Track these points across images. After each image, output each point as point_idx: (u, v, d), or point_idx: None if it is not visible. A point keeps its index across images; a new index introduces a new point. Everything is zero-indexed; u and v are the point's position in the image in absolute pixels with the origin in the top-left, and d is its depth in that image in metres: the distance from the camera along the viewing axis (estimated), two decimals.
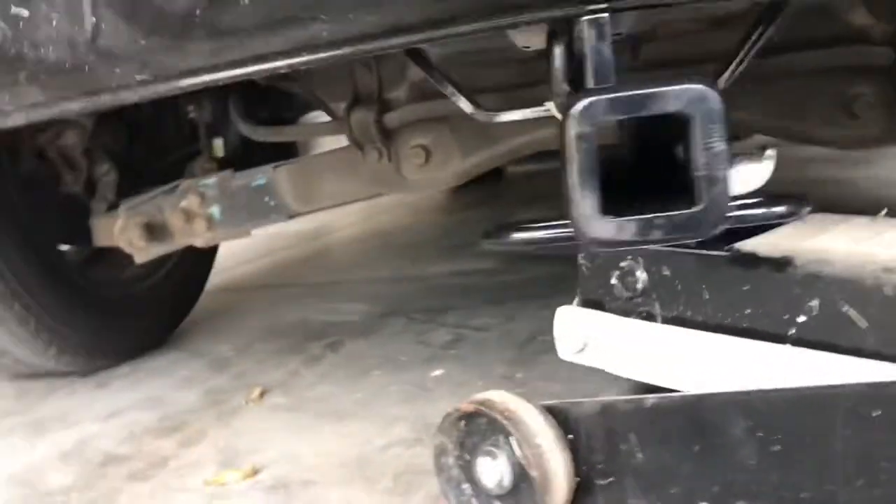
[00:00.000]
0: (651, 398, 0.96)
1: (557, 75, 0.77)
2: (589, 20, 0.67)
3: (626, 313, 1.10)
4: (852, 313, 0.88)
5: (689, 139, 0.63)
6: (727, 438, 0.91)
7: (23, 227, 1.83)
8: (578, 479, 1.06)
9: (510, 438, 1.05)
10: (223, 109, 1.96)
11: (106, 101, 0.82)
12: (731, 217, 0.65)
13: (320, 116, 1.99)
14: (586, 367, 1.27)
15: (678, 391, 1.08)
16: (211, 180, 1.84)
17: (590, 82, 0.68)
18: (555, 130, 0.81)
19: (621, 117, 0.64)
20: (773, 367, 0.95)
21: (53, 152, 1.97)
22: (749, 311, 0.98)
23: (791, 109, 1.51)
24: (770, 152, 1.12)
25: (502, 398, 1.08)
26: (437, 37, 0.72)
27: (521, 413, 1.06)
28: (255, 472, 1.39)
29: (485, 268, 2.70)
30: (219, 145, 2.18)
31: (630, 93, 0.64)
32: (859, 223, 1.04)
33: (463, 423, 1.11)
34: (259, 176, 1.82)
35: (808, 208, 0.80)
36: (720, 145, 0.63)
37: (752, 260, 0.97)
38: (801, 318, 0.93)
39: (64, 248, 2.05)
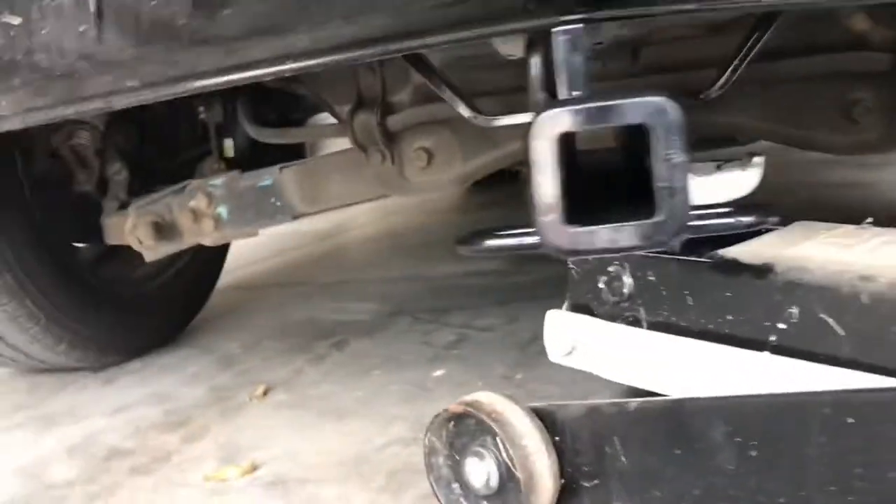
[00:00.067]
0: (634, 402, 0.98)
1: (534, 84, 0.78)
2: (562, 31, 0.68)
3: (612, 318, 1.11)
4: (830, 321, 0.89)
5: (649, 150, 0.65)
6: (707, 443, 0.92)
7: (35, 225, 1.87)
8: (564, 480, 1.08)
9: (497, 439, 1.07)
10: (233, 110, 1.99)
11: (98, 106, 0.85)
12: (692, 227, 0.67)
13: (328, 118, 2.01)
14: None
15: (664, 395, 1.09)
16: (219, 180, 1.87)
17: (561, 92, 0.69)
18: None
19: (584, 128, 0.66)
20: (754, 373, 0.95)
21: (66, 152, 2.00)
22: (731, 317, 0.99)
23: (790, 114, 1.52)
24: (758, 160, 1.13)
25: (490, 400, 1.10)
26: (415, 47, 0.73)
27: (508, 415, 1.07)
28: (254, 468, 1.42)
29: (494, 268, 2.71)
30: (229, 146, 2.21)
31: (591, 105, 0.66)
32: (844, 231, 1.04)
33: (452, 423, 1.13)
34: (266, 177, 1.84)
35: (776, 218, 0.81)
36: (679, 157, 0.65)
37: (734, 267, 0.98)
38: (781, 326, 0.94)
39: (79, 245, 2.09)
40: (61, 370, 2.07)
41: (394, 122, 1.67)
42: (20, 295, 1.81)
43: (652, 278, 1.05)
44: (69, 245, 2.06)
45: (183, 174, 2.10)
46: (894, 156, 3.35)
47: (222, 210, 1.87)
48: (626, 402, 0.98)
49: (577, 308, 1.16)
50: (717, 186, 1.09)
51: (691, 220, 0.65)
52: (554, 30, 0.68)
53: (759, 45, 1.30)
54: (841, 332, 0.89)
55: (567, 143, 0.66)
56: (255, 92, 1.91)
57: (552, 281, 2.36)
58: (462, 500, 1.13)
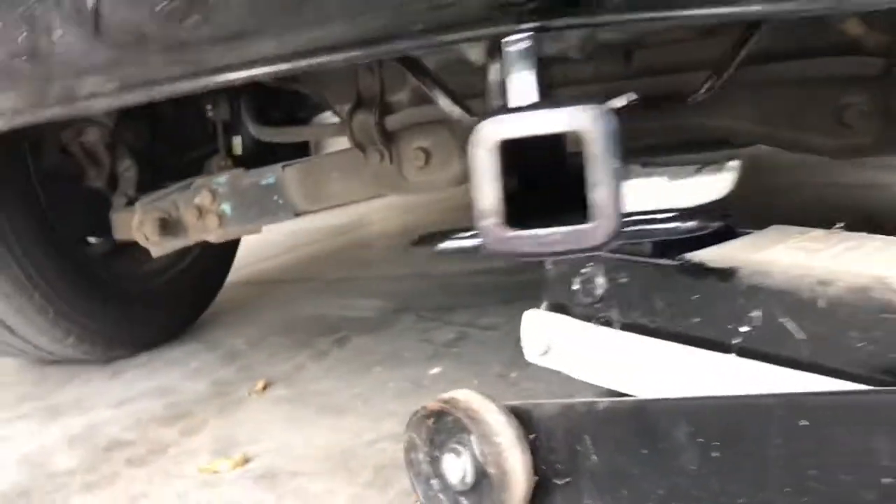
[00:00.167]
0: (603, 402, 0.99)
1: (492, 90, 0.80)
2: (512, 41, 0.70)
3: (586, 318, 1.12)
4: (790, 325, 0.90)
5: (584, 157, 0.66)
6: (671, 444, 0.93)
7: (45, 220, 1.91)
8: (538, 478, 1.09)
9: (472, 436, 1.09)
10: (240, 109, 2.02)
11: (80, 108, 0.88)
12: (628, 232, 0.68)
13: (332, 117, 2.04)
14: None
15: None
16: (223, 178, 1.90)
17: (510, 100, 0.71)
18: None
19: (522, 135, 0.67)
20: (721, 375, 0.97)
21: (76, 148, 2.05)
22: (697, 319, 1.00)
23: (784, 118, 1.52)
24: (733, 164, 1.14)
25: (467, 397, 1.12)
26: (377, 53, 0.76)
27: (483, 412, 1.09)
28: (246, 461, 1.45)
29: (501, 267, 2.73)
30: (237, 144, 2.24)
31: (528, 113, 0.68)
32: (813, 236, 1.05)
33: (431, 420, 1.15)
34: (268, 175, 1.87)
35: (718, 223, 0.82)
36: (612, 164, 0.66)
37: (700, 270, 0.99)
38: (745, 329, 0.95)
39: (88, 240, 2.14)
40: (69, 362, 2.11)
41: (392, 121, 1.69)
42: (28, 288, 1.85)
43: (624, 280, 1.07)
44: (78, 240, 2.11)
45: (193, 171, 2.14)
46: None
47: (226, 207, 1.90)
48: (595, 401, 1.00)
49: (554, 308, 1.18)
50: (693, 189, 1.10)
51: (626, 225, 0.67)
52: (504, 39, 0.70)
53: (744, 51, 1.31)
54: (801, 335, 0.90)
55: (512, 149, 0.68)
56: (258, 91, 1.94)
57: None
58: (440, 495, 1.15)
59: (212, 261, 2.41)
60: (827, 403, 0.80)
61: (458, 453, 1.12)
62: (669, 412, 0.92)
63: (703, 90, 1.27)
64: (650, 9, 0.68)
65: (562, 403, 1.06)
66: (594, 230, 0.67)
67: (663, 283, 1.03)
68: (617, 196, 0.66)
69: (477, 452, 1.08)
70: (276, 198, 1.88)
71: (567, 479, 1.07)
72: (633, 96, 1.31)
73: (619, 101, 1.29)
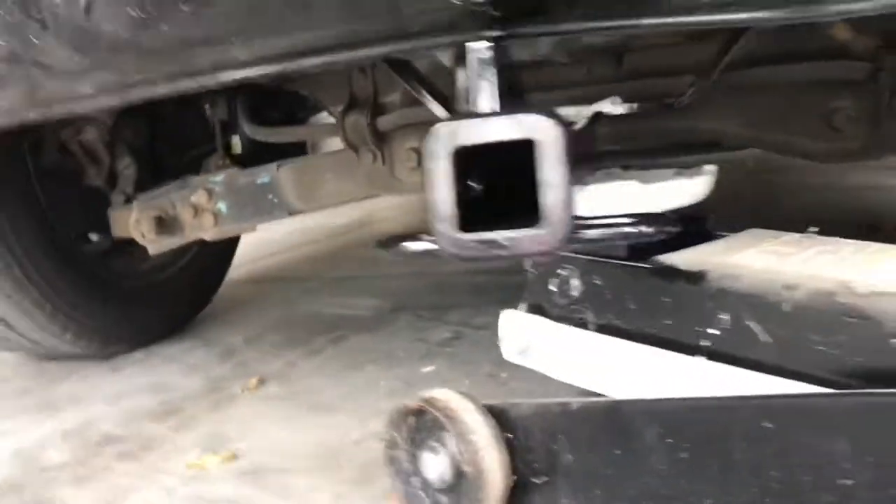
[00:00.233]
0: (576, 402, 1.00)
1: (458, 95, 0.81)
2: (474, 48, 0.71)
3: (563, 319, 1.14)
4: (756, 328, 0.91)
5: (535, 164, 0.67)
6: (641, 444, 0.94)
7: (43, 218, 1.93)
8: (516, 477, 1.10)
9: (449, 435, 1.10)
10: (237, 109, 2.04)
11: (59, 111, 0.89)
12: (582, 237, 0.69)
13: (329, 118, 2.06)
14: None
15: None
16: (219, 177, 1.92)
17: (475, 105, 0.72)
18: None
19: (475, 142, 0.69)
20: (691, 377, 0.98)
21: (75, 147, 2.07)
22: (668, 322, 1.01)
23: (774, 121, 1.52)
24: (709, 168, 1.15)
25: (445, 396, 1.13)
26: (343, 59, 0.77)
27: (461, 411, 1.10)
28: (233, 457, 1.47)
29: (500, 267, 2.73)
30: (236, 143, 2.25)
31: (479, 120, 0.69)
32: (786, 240, 1.06)
33: (412, 418, 1.17)
34: (263, 174, 1.89)
35: (676, 228, 0.83)
36: (562, 170, 0.67)
37: (671, 273, 1.00)
38: (714, 331, 0.96)
39: (87, 238, 2.16)
40: (68, 358, 2.13)
41: (384, 122, 1.70)
42: (26, 284, 1.88)
43: (598, 282, 1.08)
44: (77, 237, 2.13)
45: (193, 170, 2.16)
46: None
47: (222, 206, 1.92)
48: (569, 401, 1.01)
49: (533, 308, 1.19)
50: (668, 193, 1.11)
51: (578, 229, 0.68)
52: (468, 45, 0.71)
53: (728, 56, 1.32)
54: (767, 338, 0.91)
55: (467, 154, 0.69)
56: (256, 91, 1.95)
57: None
58: (420, 493, 1.16)
59: (211, 259, 2.43)
60: (788, 406, 0.81)
61: (436, 452, 1.13)
62: (640, 413, 0.93)
63: (688, 94, 1.27)
64: (610, 18, 0.69)
65: (538, 403, 1.07)
66: (545, 234, 0.68)
67: (636, 286, 1.04)
68: (567, 201, 0.67)
69: (454, 451, 1.10)
70: (271, 197, 1.89)
71: (544, 479, 1.08)
72: (618, 100, 1.32)
73: (605, 106, 1.30)
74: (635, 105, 1.37)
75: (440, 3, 0.71)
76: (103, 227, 2.12)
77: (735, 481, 0.86)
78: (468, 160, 0.74)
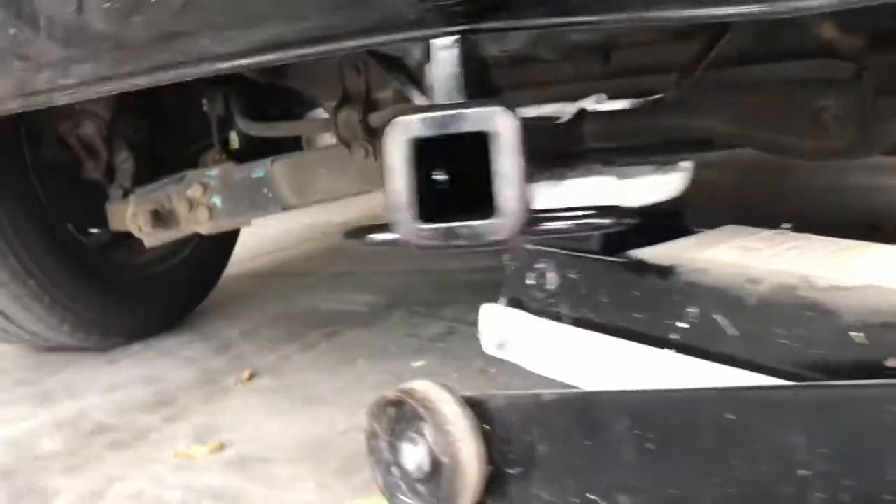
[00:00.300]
0: (549, 393, 1.02)
1: (428, 89, 0.82)
2: (439, 43, 0.72)
3: (540, 313, 1.15)
4: (723, 321, 0.92)
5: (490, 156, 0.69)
6: (611, 435, 0.95)
7: (42, 211, 1.96)
8: (492, 467, 1.12)
9: (426, 425, 1.12)
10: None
11: (41, 101, 0.91)
12: (538, 228, 0.71)
13: (324, 113, 2.07)
14: None
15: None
16: (214, 171, 1.94)
17: (439, 98, 0.74)
18: None
19: (431, 134, 0.70)
20: (661, 370, 0.99)
21: (74, 140, 2.09)
22: (640, 315, 1.02)
23: (761, 119, 1.53)
24: (685, 165, 1.16)
25: (424, 387, 1.15)
26: (313, 53, 0.78)
27: (438, 402, 1.12)
28: (221, 447, 1.49)
29: (496, 265, 2.74)
30: (234, 138, 2.28)
31: (436, 113, 0.70)
32: (759, 236, 1.07)
33: (392, 409, 1.18)
34: (258, 169, 1.91)
35: (633, 220, 0.84)
36: (517, 161, 0.69)
37: (642, 267, 1.02)
38: (683, 325, 0.97)
39: (85, 230, 2.18)
40: (66, 350, 2.16)
41: (376, 118, 1.71)
42: (23, 276, 1.90)
43: (573, 276, 1.09)
44: (76, 230, 2.16)
45: (192, 165, 2.18)
46: None
47: (217, 200, 1.94)
48: (542, 392, 1.02)
49: (512, 302, 1.20)
50: (644, 188, 1.12)
51: (538, 221, 0.69)
52: (432, 41, 0.72)
53: (712, 53, 1.33)
54: (732, 332, 0.92)
55: (432, 146, 0.70)
56: (251, 86, 1.97)
57: None
58: (400, 482, 1.18)
59: (209, 253, 2.45)
60: (749, 398, 0.82)
61: (415, 442, 1.15)
62: (608, 405, 0.94)
63: (670, 91, 1.28)
64: (573, 13, 0.70)
65: (514, 395, 1.09)
66: (500, 224, 0.69)
67: (609, 279, 1.05)
68: (521, 193, 0.68)
69: (432, 441, 1.11)
70: (265, 191, 1.91)
71: (519, 469, 1.09)
72: (603, 97, 1.34)
73: (589, 102, 1.32)
74: (622, 102, 1.38)
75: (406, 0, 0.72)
76: (102, 220, 2.14)
77: (700, 472, 0.88)
78: (434, 152, 0.75)
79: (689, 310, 0.96)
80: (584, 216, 0.80)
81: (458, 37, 0.72)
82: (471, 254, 2.90)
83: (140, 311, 2.25)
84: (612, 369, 1.05)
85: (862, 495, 0.76)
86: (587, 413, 0.96)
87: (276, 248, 3.36)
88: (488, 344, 1.22)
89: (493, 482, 1.13)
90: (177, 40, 0.79)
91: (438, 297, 2.42)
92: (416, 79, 1.36)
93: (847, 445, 0.76)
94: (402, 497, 1.18)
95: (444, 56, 0.73)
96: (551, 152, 1.26)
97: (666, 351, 0.99)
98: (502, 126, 0.68)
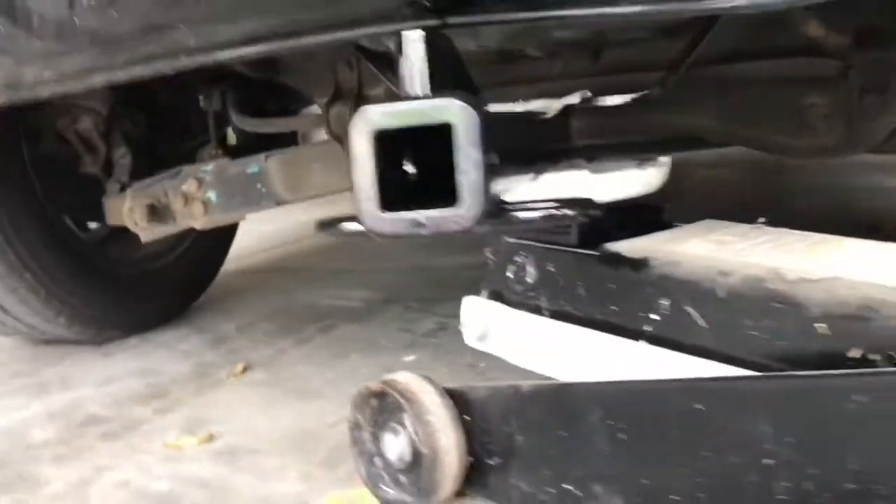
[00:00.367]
0: (526, 384, 1.03)
1: (400, 83, 0.84)
2: (407, 37, 0.74)
3: (519, 305, 1.16)
4: (693, 313, 0.93)
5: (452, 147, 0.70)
6: (585, 426, 0.96)
7: (38, 204, 1.98)
8: (472, 458, 1.13)
9: (407, 416, 1.13)
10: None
11: (25, 95, 0.93)
12: (501, 218, 0.72)
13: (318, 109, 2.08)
14: None
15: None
16: (209, 166, 1.95)
17: (407, 91, 0.75)
18: None
19: (397, 125, 0.71)
20: (635, 362, 1.00)
21: (71, 135, 2.11)
22: (615, 307, 1.04)
23: (747, 117, 1.54)
24: (664, 160, 1.17)
25: (406, 379, 1.16)
26: (286, 47, 0.80)
27: (419, 393, 1.13)
28: (210, 438, 1.50)
29: None
30: (231, 134, 2.29)
31: (399, 105, 0.72)
32: (737, 230, 1.08)
33: (374, 400, 1.20)
34: (252, 164, 1.92)
35: (597, 212, 0.85)
36: (476, 153, 0.70)
37: (617, 260, 1.03)
38: (655, 317, 0.98)
39: (83, 224, 2.20)
40: (63, 343, 2.18)
41: None
42: (20, 270, 1.92)
43: (551, 269, 1.10)
44: (75, 225, 2.18)
45: (191, 160, 2.20)
46: None
47: (211, 195, 1.95)
48: (519, 384, 1.03)
49: (493, 295, 1.21)
50: (623, 183, 1.13)
51: (497, 211, 0.71)
52: (402, 34, 0.74)
53: (696, 51, 1.34)
54: (703, 323, 0.93)
55: (388, 137, 0.72)
56: (246, 82, 1.99)
57: None
58: (383, 473, 1.20)
59: (206, 249, 2.47)
60: (716, 388, 0.83)
61: (396, 433, 1.16)
62: (583, 396, 0.96)
63: (656, 88, 1.30)
64: (538, 8, 0.72)
65: (493, 386, 1.10)
66: (460, 213, 0.70)
67: (585, 272, 1.06)
68: (480, 183, 0.69)
69: (412, 432, 1.13)
70: (259, 187, 1.92)
71: (498, 460, 1.11)
72: (587, 94, 1.35)
73: (573, 98, 1.33)
74: (610, 99, 1.39)
75: None
76: (101, 215, 2.16)
77: (670, 462, 0.89)
78: (408, 144, 0.76)
79: (662, 302, 0.97)
80: (549, 208, 0.81)
81: (425, 31, 0.73)
82: (468, 250, 2.91)
83: (137, 305, 2.27)
84: (589, 361, 1.06)
85: (825, 484, 0.77)
86: (562, 404, 0.97)
87: (275, 245, 3.37)
88: (469, 336, 1.24)
89: (474, 473, 1.14)
90: (154, 34, 0.81)
91: (434, 294, 2.43)
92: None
93: (811, 435, 0.77)
94: (384, 488, 1.20)
95: (413, 50, 0.74)
96: (536, 148, 1.27)
97: (640, 343, 1.00)
98: (461, 119, 0.69)
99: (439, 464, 1.11)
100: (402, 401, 1.13)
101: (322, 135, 2.11)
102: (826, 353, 0.83)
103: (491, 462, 1.11)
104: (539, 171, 1.07)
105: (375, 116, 0.72)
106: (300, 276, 2.88)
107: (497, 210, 0.71)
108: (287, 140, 2.27)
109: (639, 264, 1.01)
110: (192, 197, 1.96)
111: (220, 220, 2.01)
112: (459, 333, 2.02)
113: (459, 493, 1.16)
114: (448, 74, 0.77)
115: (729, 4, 0.70)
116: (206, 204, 1.95)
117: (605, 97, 1.40)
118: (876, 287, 0.84)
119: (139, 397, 1.78)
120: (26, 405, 1.79)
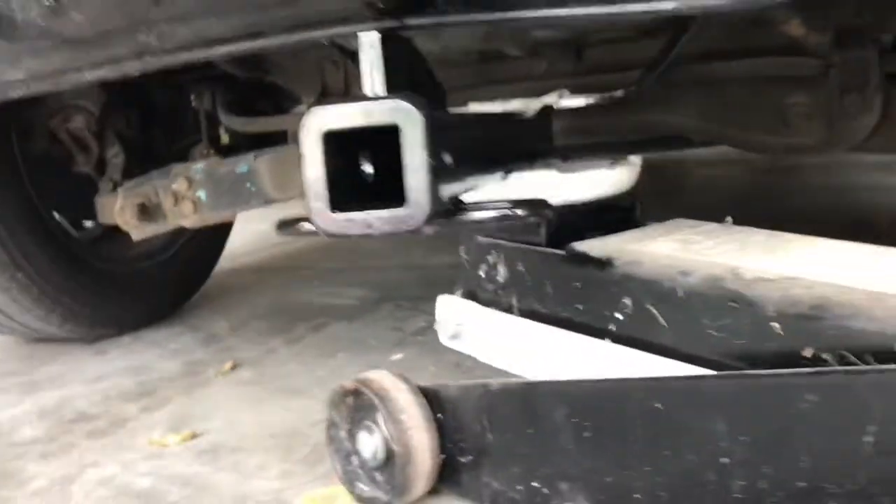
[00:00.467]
0: (495, 383, 1.04)
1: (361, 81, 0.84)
2: (362, 39, 0.74)
3: (491, 304, 1.17)
4: (655, 312, 0.94)
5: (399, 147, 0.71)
6: (551, 424, 0.97)
7: (30, 203, 1.99)
8: (445, 456, 1.14)
9: (380, 414, 1.14)
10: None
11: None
12: (449, 218, 0.72)
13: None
14: None
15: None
16: (199, 165, 1.96)
17: (364, 91, 0.76)
18: None
19: (345, 126, 0.72)
20: (599, 360, 1.00)
21: (64, 134, 2.12)
22: (581, 306, 1.04)
23: (730, 116, 1.54)
24: (634, 159, 1.18)
25: (380, 377, 1.17)
26: (245, 49, 0.81)
27: (393, 392, 1.14)
28: (193, 436, 1.51)
29: None
30: (224, 133, 2.30)
31: (347, 105, 0.72)
32: (704, 229, 1.08)
33: (350, 398, 1.21)
34: (242, 163, 1.93)
35: (549, 212, 0.86)
36: (422, 154, 0.70)
37: (582, 259, 1.03)
38: (619, 316, 0.99)
39: (74, 223, 2.22)
40: (57, 341, 2.19)
41: None
42: (12, 269, 1.93)
43: (521, 268, 1.11)
44: (69, 223, 2.19)
45: (184, 159, 2.21)
46: None
47: (201, 193, 1.96)
48: (490, 382, 1.04)
49: (467, 294, 1.22)
50: (593, 182, 1.14)
51: (449, 211, 0.71)
52: (359, 35, 0.75)
53: (675, 50, 1.34)
54: (664, 323, 0.93)
55: (345, 138, 0.72)
56: (234, 81, 2.00)
57: None
58: (359, 470, 1.21)
59: (200, 248, 2.48)
60: (675, 387, 0.83)
61: (371, 431, 1.17)
62: (549, 394, 0.96)
63: (632, 88, 1.30)
64: (491, 10, 0.72)
65: (465, 384, 1.11)
66: (408, 214, 0.71)
67: (552, 271, 1.07)
68: (428, 183, 0.70)
69: (386, 430, 1.14)
70: (248, 186, 1.93)
71: (470, 458, 1.11)
72: (565, 93, 1.35)
73: (551, 98, 1.33)
74: (585, 99, 1.40)
75: None
76: (95, 214, 2.17)
77: (632, 461, 0.89)
78: (363, 144, 0.77)
79: (625, 301, 0.97)
80: (503, 208, 0.81)
81: (383, 33, 0.74)
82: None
83: (131, 304, 2.28)
84: (557, 360, 1.07)
85: (778, 483, 0.77)
86: (528, 403, 0.98)
87: (272, 244, 3.38)
88: (444, 335, 1.24)
89: (447, 470, 1.15)
90: (117, 36, 0.82)
91: (425, 292, 2.42)
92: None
93: (764, 435, 0.78)
94: (360, 485, 1.21)
95: (368, 51, 0.75)
96: (514, 148, 1.27)
97: (605, 341, 1.00)
98: (406, 120, 0.70)
99: (412, 462, 1.12)
100: (375, 399, 1.14)
101: None
102: (781, 352, 0.84)
103: (463, 460, 1.12)
104: (509, 171, 1.08)
105: (324, 117, 0.73)
106: (295, 274, 2.90)
107: (451, 210, 0.72)
108: (280, 139, 2.28)
109: (603, 264, 1.01)
110: (181, 196, 1.97)
111: (209, 218, 2.01)
112: None
113: (433, 491, 1.17)
114: (406, 75, 0.77)
115: (671, 6, 0.71)
116: (195, 203, 1.96)
117: (580, 96, 1.41)
118: (831, 287, 0.84)
119: (128, 395, 1.79)
120: (17, 402, 1.81)
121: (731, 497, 0.80)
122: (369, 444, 1.16)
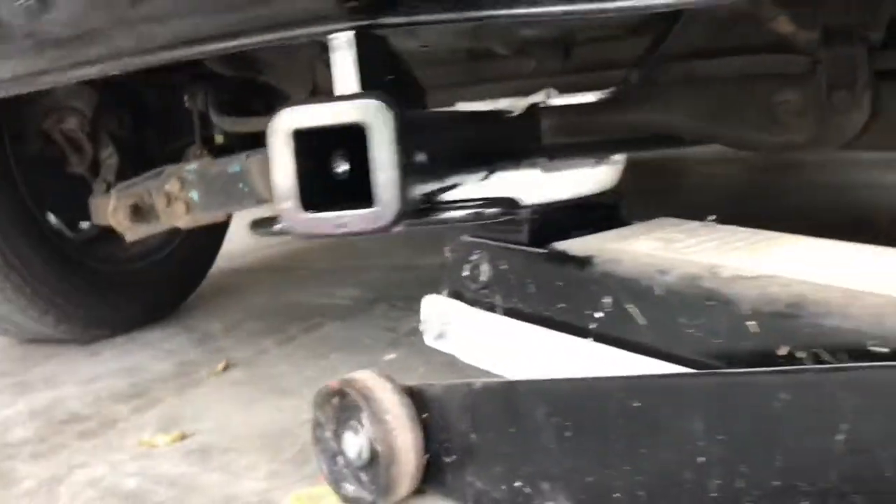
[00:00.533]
0: (478, 382, 1.04)
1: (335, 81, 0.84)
2: (335, 39, 0.74)
3: (475, 303, 1.17)
4: (634, 311, 0.93)
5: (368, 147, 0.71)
6: (532, 423, 0.97)
7: (23, 205, 1.99)
8: (429, 455, 1.14)
9: (365, 414, 1.14)
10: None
11: None
12: (420, 217, 0.72)
13: None
14: None
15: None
16: (192, 166, 1.96)
17: (335, 90, 0.76)
18: None
19: (315, 125, 0.72)
20: (581, 359, 1.00)
21: (57, 135, 2.12)
22: (562, 305, 1.04)
23: (719, 114, 1.54)
24: (617, 158, 1.17)
25: (364, 377, 1.17)
26: (226, 48, 0.81)
27: (377, 391, 1.14)
28: (183, 437, 1.51)
29: None
30: (218, 133, 2.30)
31: (316, 104, 0.72)
32: (686, 228, 1.08)
33: (336, 398, 1.20)
34: (234, 163, 1.93)
35: (519, 209, 0.85)
36: (390, 153, 0.70)
37: (563, 258, 1.03)
38: (599, 314, 0.98)
39: (68, 224, 2.22)
40: (52, 342, 2.20)
41: None
42: (6, 269, 1.94)
43: (504, 267, 1.11)
44: (64, 224, 2.19)
45: (178, 160, 2.21)
46: None
47: (194, 194, 1.96)
48: (473, 382, 1.04)
49: (452, 293, 1.22)
50: (576, 181, 1.13)
51: (420, 210, 0.71)
52: (330, 35, 0.75)
53: (660, 47, 1.34)
54: (643, 321, 0.93)
55: (313, 137, 0.72)
56: (226, 81, 2.00)
57: None
58: (345, 470, 1.21)
59: (197, 248, 2.49)
60: (652, 386, 0.83)
61: (356, 431, 1.17)
62: (530, 393, 0.96)
63: (619, 86, 1.30)
64: (459, 9, 0.72)
65: (449, 384, 1.10)
66: (377, 213, 0.71)
67: (534, 270, 1.06)
68: (396, 182, 0.70)
69: (370, 430, 1.14)
70: (241, 186, 1.93)
71: (454, 457, 1.11)
72: (553, 92, 1.35)
73: (538, 96, 1.33)
74: (572, 97, 1.39)
75: None
76: (86, 214, 2.18)
77: (611, 460, 0.89)
78: (339, 143, 0.77)
79: (605, 300, 0.97)
80: (474, 206, 0.81)
81: (357, 31, 0.74)
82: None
83: (125, 305, 2.28)
84: (539, 359, 1.06)
85: (754, 482, 0.77)
86: (510, 402, 0.98)
87: (269, 244, 3.39)
88: (428, 335, 1.24)
89: (432, 470, 1.15)
90: (92, 37, 0.82)
91: (420, 292, 2.41)
92: None
93: (740, 433, 0.77)
94: (346, 485, 1.21)
95: (341, 50, 0.75)
96: (499, 146, 1.27)
97: (586, 340, 1.00)
98: (374, 118, 0.70)
99: (397, 462, 1.12)
100: (360, 399, 1.14)
101: None
102: (757, 350, 0.83)
103: (448, 460, 1.12)
104: (493, 170, 1.08)
105: (293, 116, 0.73)
106: (291, 275, 2.90)
107: (423, 209, 0.72)
108: None
109: (583, 262, 1.01)
110: (174, 196, 1.97)
111: (202, 219, 2.01)
112: None
113: (418, 491, 1.17)
114: (381, 74, 0.77)
115: (643, 4, 0.70)
116: (188, 203, 1.96)
117: (569, 95, 1.40)
118: (807, 285, 0.84)
119: (120, 396, 1.79)
120: (10, 403, 1.81)
121: (707, 496, 0.80)
122: (354, 444, 1.16)
